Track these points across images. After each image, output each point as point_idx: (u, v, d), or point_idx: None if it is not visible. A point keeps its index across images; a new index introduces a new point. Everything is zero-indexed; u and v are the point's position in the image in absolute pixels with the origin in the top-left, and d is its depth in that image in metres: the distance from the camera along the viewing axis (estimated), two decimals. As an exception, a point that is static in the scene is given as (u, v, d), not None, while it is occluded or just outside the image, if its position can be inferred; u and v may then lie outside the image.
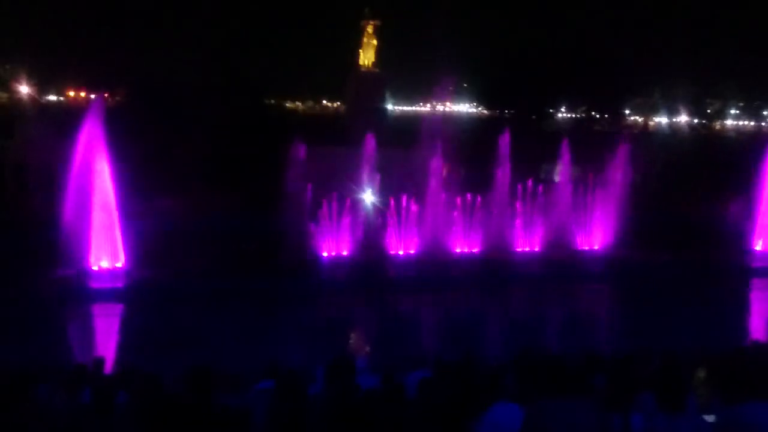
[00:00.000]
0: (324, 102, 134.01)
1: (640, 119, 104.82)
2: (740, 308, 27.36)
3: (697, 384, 9.20)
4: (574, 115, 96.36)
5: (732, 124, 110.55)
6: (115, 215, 26.57)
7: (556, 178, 35.46)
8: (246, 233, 30.74)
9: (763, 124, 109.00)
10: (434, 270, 29.48)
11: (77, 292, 24.99)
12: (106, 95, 30.32)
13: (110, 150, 26.36)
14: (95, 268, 26.34)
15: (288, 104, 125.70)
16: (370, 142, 32.17)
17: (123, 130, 27.49)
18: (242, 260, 28.37)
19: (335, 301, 26.50)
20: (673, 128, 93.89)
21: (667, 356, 11.16)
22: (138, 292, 25.26)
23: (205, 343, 19.65)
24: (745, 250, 33.16)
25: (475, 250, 31.56)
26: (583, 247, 32.72)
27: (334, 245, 30.24)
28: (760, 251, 33.45)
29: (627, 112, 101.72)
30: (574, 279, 30.32)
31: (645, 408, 7.93)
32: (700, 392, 8.98)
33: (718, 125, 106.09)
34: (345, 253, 30.28)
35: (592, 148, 34.27)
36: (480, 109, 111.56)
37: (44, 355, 16.49)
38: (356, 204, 31.05)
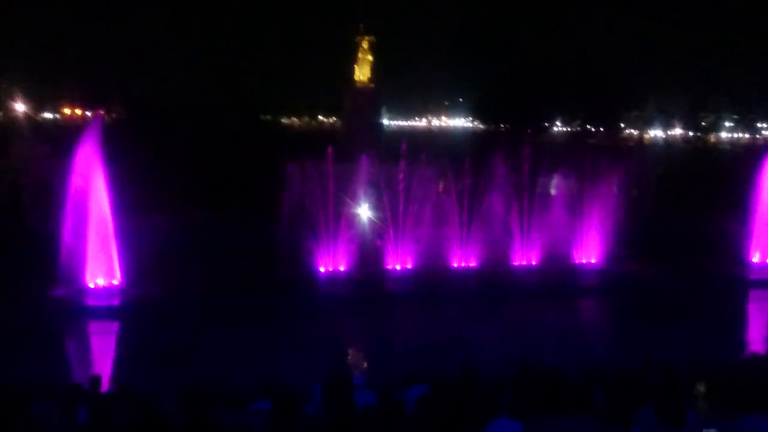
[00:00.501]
0: (320, 117, 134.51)
1: (635, 132, 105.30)
2: (738, 321, 27.32)
3: (696, 398, 9.17)
4: (569, 129, 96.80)
5: (726, 137, 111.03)
6: (111, 232, 26.50)
7: (552, 192, 35.47)
8: (242, 249, 30.64)
9: (757, 136, 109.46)
10: (432, 285, 29.39)
11: (73, 309, 24.85)
12: (102, 112, 30.28)
13: (106, 167, 26.34)
14: (91, 285, 26.23)
15: (284, 120, 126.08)
16: (366, 157, 32.17)
17: (119, 147, 27.50)
18: (238, 277, 28.27)
19: (332, 317, 26.36)
20: (668, 141, 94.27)
21: (666, 371, 11.12)
22: (134, 309, 25.13)
23: (202, 361, 19.55)
24: (742, 262, 33.16)
25: (472, 264, 31.52)
26: (581, 261, 32.69)
27: (331, 261, 30.16)
28: (756, 263, 33.44)
29: (622, 125, 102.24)
30: (572, 293, 30.22)
31: (645, 423, 7.89)
32: (699, 406, 8.95)
33: (712, 138, 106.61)
34: (342, 268, 30.20)
35: (587, 161, 34.31)
36: (475, 123, 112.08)
37: (40, 373, 16.38)
38: (353, 219, 31.00)
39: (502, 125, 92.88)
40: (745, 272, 32.56)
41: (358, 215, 31.78)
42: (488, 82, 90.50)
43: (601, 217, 32.74)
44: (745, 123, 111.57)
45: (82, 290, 25.96)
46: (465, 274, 30.94)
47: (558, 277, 31.04)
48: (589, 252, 32.77)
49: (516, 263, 31.95)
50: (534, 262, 32.00)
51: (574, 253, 32.74)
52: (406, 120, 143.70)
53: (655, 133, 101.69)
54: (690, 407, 8.26)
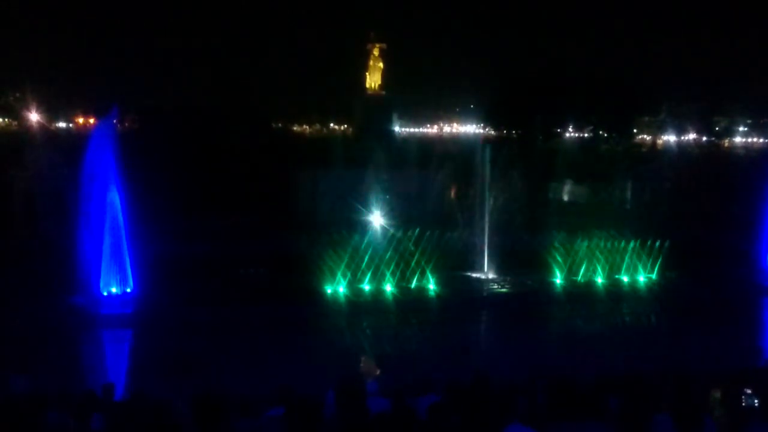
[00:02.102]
0: (331, 125, 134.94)
1: (648, 138, 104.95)
2: (754, 327, 27.05)
3: (713, 406, 9.07)
4: (581, 135, 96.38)
5: (741, 141, 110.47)
6: (124, 240, 26.60)
7: (565, 198, 35.35)
8: (255, 257, 30.65)
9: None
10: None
11: (87, 317, 24.93)
12: (114, 121, 30.49)
13: (119, 175, 26.44)
14: (105, 293, 26.33)
15: (295, 128, 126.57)
16: (377, 165, 32.13)
17: (132, 155, 27.60)
18: (251, 284, 28.26)
19: (345, 325, 26.25)
20: (682, 146, 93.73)
21: (682, 378, 11.01)
22: (147, 317, 25.19)
23: (215, 368, 19.53)
24: (758, 268, 32.86)
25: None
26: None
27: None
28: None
29: (635, 131, 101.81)
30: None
31: (661, 430, 7.81)
32: (716, 414, 8.84)
33: (726, 142, 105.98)
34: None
35: (599, 167, 34.17)
36: (487, 129, 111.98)
37: (54, 382, 16.41)
38: (364, 226, 30.88)
39: (513, 131, 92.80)
40: (761, 278, 32.25)
41: (370, 222, 31.68)
42: (500, 89, 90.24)
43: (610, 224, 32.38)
44: (760, 127, 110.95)
45: (96, 298, 26.06)
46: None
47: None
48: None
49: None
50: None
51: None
52: (418, 127, 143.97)
53: (669, 138, 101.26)
54: (707, 415, 8.17)
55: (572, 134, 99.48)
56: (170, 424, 8.57)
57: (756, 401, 10.82)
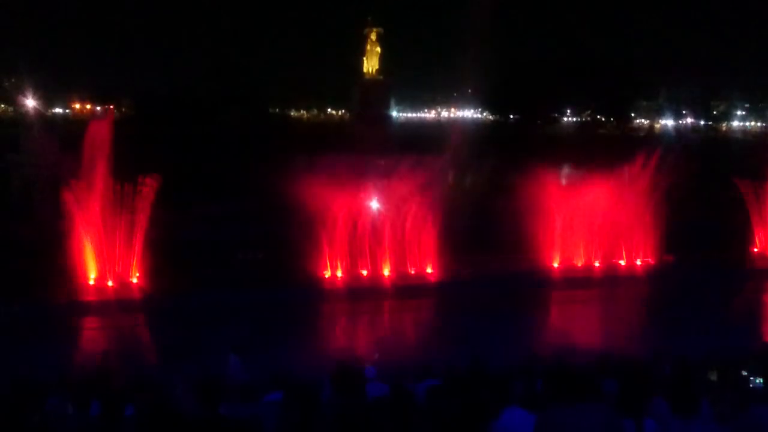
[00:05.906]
0: (329, 110, 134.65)
1: (646, 122, 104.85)
2: (754, 310, 27.10)
3: (710, 387, 9.11)
4: (579, 119, 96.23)
5: (738, 126, 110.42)
6: (127, 227, 26.52)
7: (563, 182, 35.21)
8: (253, 243, 30.62)
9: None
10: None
11: (88, 304, 24.90)
12: (111, 107, 30.37)
13: (118, 162, 26.32)
14: (108, 281, 26.26)
15: (293, 113, 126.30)
16: (375, 150, 31.92)
17: (130, 141, 27.46)
18: (251, 270, 28.24)
19: (343, 310, 26.31)
20: (679, 130, 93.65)
21: (679, 361, 11.06)
22: (150, 303, 25.13)
23: (217, 354, 19.52)
24: (756, 252, 32.92)
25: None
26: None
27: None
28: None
29: (633, 115, 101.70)
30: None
31: (658, 413, 7.85)
32: (713, 396, 8.89)
33: (724, 126, 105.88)
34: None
35: (598, 151, 34.03)
36: (485, 114, 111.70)
37: (55, 368, 16.44)
38: (362, 212, 30.68)
39: (511, 116, 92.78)
40: (759, 262, 32.29)
41: (368, 207, 31.47)
42: (498, 74, 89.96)
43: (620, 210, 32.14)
44: (757, 111, 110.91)
45: (97, 285, 26.01)
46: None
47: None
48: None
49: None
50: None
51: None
52: (416, 111, 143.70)
53: (666, 122, 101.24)
54: (704, 397, 8.21)
55: (570, 119, 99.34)
56: (169, 409, 8.59)
57: (752, 383, 10.89)
